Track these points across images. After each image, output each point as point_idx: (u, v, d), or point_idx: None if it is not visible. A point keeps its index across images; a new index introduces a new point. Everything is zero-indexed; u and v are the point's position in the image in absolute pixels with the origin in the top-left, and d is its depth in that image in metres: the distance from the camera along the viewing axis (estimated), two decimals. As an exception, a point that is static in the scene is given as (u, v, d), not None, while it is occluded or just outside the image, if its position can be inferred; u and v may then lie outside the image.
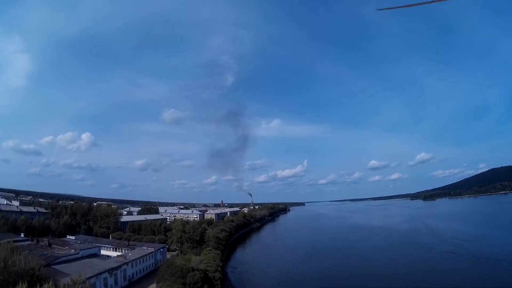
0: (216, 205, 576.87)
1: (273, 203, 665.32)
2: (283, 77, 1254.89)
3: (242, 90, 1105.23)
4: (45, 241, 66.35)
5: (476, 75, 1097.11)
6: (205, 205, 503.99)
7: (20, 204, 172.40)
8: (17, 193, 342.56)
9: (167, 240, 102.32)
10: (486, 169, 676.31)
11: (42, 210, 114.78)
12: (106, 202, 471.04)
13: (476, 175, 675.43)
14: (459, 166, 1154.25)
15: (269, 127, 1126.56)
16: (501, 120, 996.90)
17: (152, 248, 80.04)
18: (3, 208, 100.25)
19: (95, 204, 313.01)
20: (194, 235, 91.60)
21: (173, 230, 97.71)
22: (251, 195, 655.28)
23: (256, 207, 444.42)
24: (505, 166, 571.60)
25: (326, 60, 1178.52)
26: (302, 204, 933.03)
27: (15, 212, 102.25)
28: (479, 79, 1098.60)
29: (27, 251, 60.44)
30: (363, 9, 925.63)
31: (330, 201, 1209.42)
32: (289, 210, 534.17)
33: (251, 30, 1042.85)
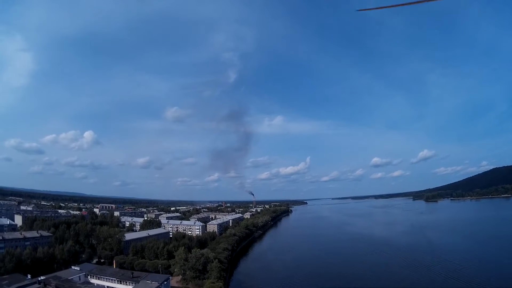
0: (219, 206, 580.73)
1: (275, 203, 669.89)
2: (286, 74, 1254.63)
3: (245, 87, 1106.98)
4: (52, 284, 67.13)
5: (479, 72, 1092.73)
6: (207, 207, 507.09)
7: (23, 218, 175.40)
8: (19, 201, 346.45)
9: (170, 266, 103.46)
10: (488, 167, 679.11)
11: (45, 233, 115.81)
12: (108, 205, 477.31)
13: (478, 174, 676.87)
14: (461, 163, 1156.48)
15: (272, 124, 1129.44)
16: (503, 118, 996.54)
17: (156, 283, 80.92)
18: (6, 237, 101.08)
19: (97, 210, 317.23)
20: (197, 265, 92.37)
21: (176, 258, 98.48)
22: (253, 195, 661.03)
23: (259, 209, 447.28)
24: (507, 166, 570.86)
25: (329, 57, 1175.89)
26: (304, 203, 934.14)
27: (19, 239, 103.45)
28: (482, 76, 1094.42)
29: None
30: (366, 5, 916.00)
31: (332, 198, 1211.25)
32: (291, 211, 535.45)
33: (253, 27, 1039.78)
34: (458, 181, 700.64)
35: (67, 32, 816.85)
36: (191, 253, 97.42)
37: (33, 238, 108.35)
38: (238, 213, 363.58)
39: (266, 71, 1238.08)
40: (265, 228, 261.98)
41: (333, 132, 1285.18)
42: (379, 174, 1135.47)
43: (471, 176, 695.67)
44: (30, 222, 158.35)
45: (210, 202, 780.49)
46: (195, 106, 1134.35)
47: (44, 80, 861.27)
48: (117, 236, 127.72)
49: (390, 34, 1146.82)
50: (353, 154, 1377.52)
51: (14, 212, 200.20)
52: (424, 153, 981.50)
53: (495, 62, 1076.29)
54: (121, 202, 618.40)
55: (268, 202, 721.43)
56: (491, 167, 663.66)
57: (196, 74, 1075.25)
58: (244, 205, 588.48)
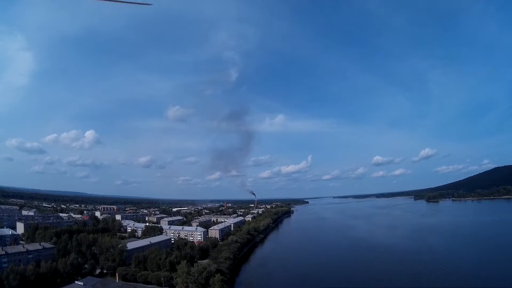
0: (220, 206, 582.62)
1: (276, 202, 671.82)
2: (287, 72, 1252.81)
3: (246, 86, 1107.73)
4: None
5: (481, 70, 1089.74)
6: (208, 208, 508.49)
7: (25, 225, 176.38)
8: (20, 205, 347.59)
9: (172, 278, 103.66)
10: (490, 166, 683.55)
11: (47, 245, 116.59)
12: (109, 206, 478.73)
13: (480, 173, 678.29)
14: (463, 162, 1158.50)
15: (273, 123, 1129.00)
16: (505, 116, 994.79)
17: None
18: (9, 251, 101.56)
19: (98, 213, 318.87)
20: (199, 279, 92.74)
21: (179, 271, 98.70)
22: (254, 194, 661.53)
23: (260, 210, 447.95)
24: (508, 166, 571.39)
25: (331, 55, 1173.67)
26: (305, 202, 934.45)
27: (22, 253, 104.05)
28: (484, 74, 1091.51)
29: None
30: (368, 3, 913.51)
31: (334, 197, 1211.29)
32: (292, 211, 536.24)
33: (255, 26, 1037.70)
34: (460, 180, 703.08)
35: (68, 31, 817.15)
36: (193, 266, 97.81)
37: (36, 250, 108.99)
38: (240, 215, 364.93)
39: (267, 69, 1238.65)
40: (267, 231, 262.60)
41: (334, 131, 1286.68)
42: (381, 173, 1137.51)
43: (472, 175, 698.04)
44: (32, 230, 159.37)
45: (211, 201, 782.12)
46: (196, 105, 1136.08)
47: (45, 80, 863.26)
48: (119, 246, 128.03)
49: (391, 33, 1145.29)
50: (355, 152, 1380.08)
51: (16, 219, 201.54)
52: (426, 151, 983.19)
53: (497, 60, 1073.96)
54: (122, 202, 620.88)
55: (270, 201, 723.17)
56: (493, 166, 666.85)
57: (197, 73, 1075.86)
58: (245, 205, 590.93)
